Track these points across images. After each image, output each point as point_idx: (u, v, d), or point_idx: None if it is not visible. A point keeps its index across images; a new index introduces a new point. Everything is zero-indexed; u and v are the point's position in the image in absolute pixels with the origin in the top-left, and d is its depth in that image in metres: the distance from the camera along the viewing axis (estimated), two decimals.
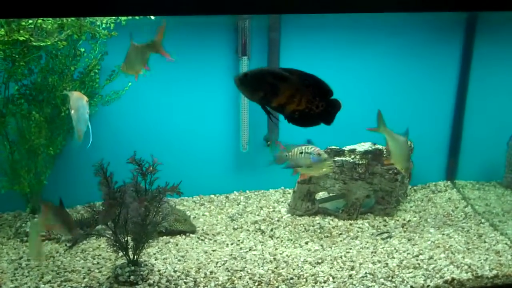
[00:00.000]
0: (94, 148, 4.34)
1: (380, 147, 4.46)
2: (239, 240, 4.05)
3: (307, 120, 2.79)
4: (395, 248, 3.91)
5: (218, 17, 4.36)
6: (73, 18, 3.67)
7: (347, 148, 4.45)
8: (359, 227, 4.29)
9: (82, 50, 3.95)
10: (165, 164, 3.46)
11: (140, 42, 3.35)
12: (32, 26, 3.58)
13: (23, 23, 3.54)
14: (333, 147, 4.43)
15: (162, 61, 4.36)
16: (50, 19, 3.62)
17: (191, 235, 4.10)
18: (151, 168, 3.37)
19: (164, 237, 4.02)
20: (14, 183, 4.05)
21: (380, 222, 4.39)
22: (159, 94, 4.50)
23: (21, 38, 3.51)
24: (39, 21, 3.59)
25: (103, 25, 3.90)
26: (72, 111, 3.51)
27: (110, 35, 3.89)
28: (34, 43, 3.57)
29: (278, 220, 4.40)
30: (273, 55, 4.52)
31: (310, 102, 2.74)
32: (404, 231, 4.23)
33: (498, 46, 4.93)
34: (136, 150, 3.38)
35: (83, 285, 3.37)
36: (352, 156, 4.42)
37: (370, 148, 4.45)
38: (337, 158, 4.40)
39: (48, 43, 3.63)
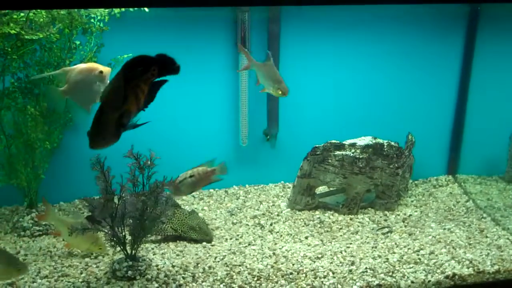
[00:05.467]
0: None
1: (381, 141, 4.43)
2: (238, 235, 4.02)
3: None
4: (395, 243, 3.88)
5: (217, 9, 4.32)
6: (64, 12, 3.63)
7: (347, 142, 4.42)
8: (359, 222, 4.26)
9: (78, 43, 3.91)
10: (164, 158, 3.43)
11: None
12: (24, 19, 3.54)
13: (15, 16, 3.51)
14: (334, 141, 4.40)
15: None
16: (43, 12, 3.58)
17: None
18: (148, 162, 3.34)
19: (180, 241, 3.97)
20: (12, 177, 4.02)
21: (380, 217, 4.36)
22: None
23: (12, 32, 3.47)
24: (31, 14, 3.55)
25: (98, 17, 3.87)
26: (65, 87, 3.45)
27: (102, 30, 3.86)
28: (26, 37, 3.54)
29: (277, 215, 4.37)
30: (273, 48, 4.48)
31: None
32: (405, 226, 4.20)
33: (500, 40, 4.89)
34: (134, 144, 3.35)
35: (80, 280, 3.34)
36: (353, 150, 4.38)
37: (371, 142, 4.41)
38: (337, 152, 4.36)
39: (41, 36, 3.59)
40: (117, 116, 2.54)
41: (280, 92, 3.76)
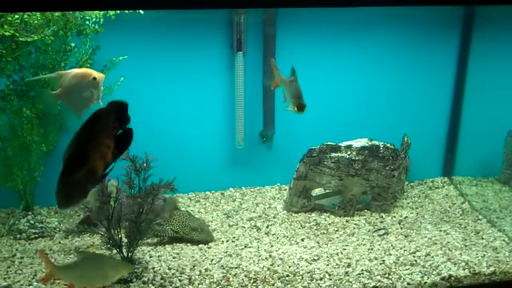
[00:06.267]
0: None
1: (377, 143, 4.43)
2: (234, 237, 4.02)
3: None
4: (392, 245, 3.88)
5: (212, 11, 4.32)
6: (58, 14, 3.63)
7: (343, 144, 4.42)
8: (355, 224, 4.27)
9: (73, 45, 3.91)
10: (160, 161, 3.43)
11: None
12: (19, 21, 3.53)
13: (9, 18, 3.50)
14: (330, 143, 4.40)
15: (156, 56, 4.37)
16: (37, 13, 3.58)
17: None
18: (145, 165, 3.33)
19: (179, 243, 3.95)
20: (7, 180, 4.01)
21: (376, 219, 4.36)
22: (153, 90, 4.46)
23: (7, 34, 3.46)
24: (25, 16, 3.55)
25: (93, 19, 3.86)
26: (58, 90, 3.44)
27: (96, 31, 3.86)
28: (21, 39, 3.53)
29: (274, 217, 4.36)
30: (268, 51, 4.48)
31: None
32: (401, 228, 4.20)
33: (495, 41, 4.90)
34: (131, 146, 3.34)
35: None
36: (349, 152, 4.38)
37: (367, 144, 4.42)
38: (333, 154, 4.36)
39: (36, 38, 3.59)
40: (82, 176, 2.51)
41: (295, 109, 3.70)
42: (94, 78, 3.43)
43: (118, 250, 3.39)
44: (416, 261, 3.65)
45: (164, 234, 3.89)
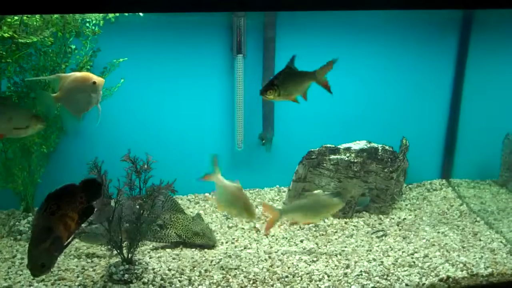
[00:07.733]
0: (88, 145, 4.34)
1: (375, 145, 4.46)
2: (233, 239, 4.04)
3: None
4: (390, 246, 3.90)
5: (213, 14, 4.34)
6: (57, 16, 3.65)
7: (342, 146, 4.44)
8: (354, 225, 4.29)
9: (73, 47, 3.92)
10: (160, 162, 3.45)
11: None
12: (18, 22, 3.55)
13: (9, 20, 3.51)
14: (328, 145, 4.42)
15: (157, 59, 4.39)
16: (37, 15, 3.60)
17: None
18: (145, 166, 3.35)
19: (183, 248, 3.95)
20: (8, 181, 4.02)
21: (375, 220, 4.38)
22: (153, 92, 4.48)
23: (6, 35, 3.47)
24: (25, 17, 3.56)
25: (93, 21, 3.88)
26: (58, 93, 3.46)
27: (94, 33, 3.87)
28: (20, 40, 3.55)
29: None
30: (268, 53, 4.50)
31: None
32: (399, 229, 4.22)
33: (493, 44, 4.93)
34: (131, 148, 3.37)
35: (77, 283, 3.35)
36: (347, 155, 4.41)
37: (366, 147, 4.44)
38: (332, 157, 4.38)
39: (35, 40, 3.61)
40: (48, 244, 2.64)
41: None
42: (94, 83, 3.45)
43: (118, 251, 3.40)
44: (414, 262, 3.67)
45: (168, 239, 3.90)
